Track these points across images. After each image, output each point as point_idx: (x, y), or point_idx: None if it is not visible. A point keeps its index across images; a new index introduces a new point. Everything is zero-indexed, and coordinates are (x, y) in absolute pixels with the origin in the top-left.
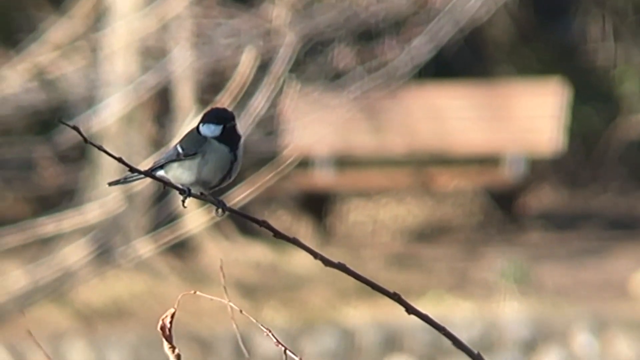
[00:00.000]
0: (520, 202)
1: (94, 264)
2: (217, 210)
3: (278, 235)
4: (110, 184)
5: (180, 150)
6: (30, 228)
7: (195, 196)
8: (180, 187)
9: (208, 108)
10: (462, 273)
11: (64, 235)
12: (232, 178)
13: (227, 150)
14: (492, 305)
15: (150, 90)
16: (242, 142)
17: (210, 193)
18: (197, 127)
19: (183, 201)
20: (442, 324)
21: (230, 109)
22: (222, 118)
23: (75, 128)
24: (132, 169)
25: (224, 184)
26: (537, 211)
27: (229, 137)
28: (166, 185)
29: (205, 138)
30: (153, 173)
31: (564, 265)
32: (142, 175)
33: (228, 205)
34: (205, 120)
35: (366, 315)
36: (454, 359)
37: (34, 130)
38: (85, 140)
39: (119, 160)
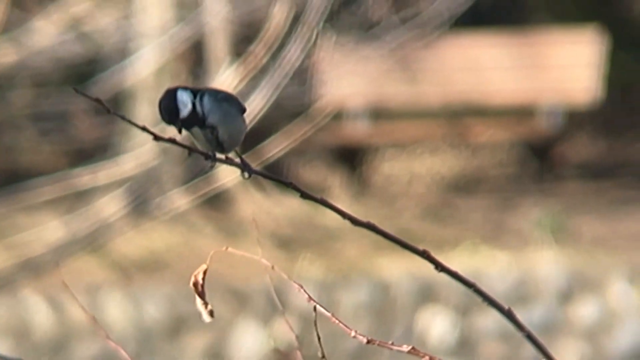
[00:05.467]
0: (557, 152)
1: (130, 216)
2: (242, 172)
3: (305, 195)
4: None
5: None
6: (66, 180)
7: (220, 161)
8: (205, 152)
9: (163, 91)
10: (498, 224)
11: (100, 187)
12: (233, 148)
13: (207, 132)
14: (528, 255)
15: (185, 42)
16: (223, 115)
17: (237, 154)
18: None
19: (211, 167)
20: (475, 278)
21: (175, 92)
22: (167, 117)
23: (98, 100)
24: (156, 137)
25: (228, 152)
26: (574, 161)
27: (189, 127)
28: (191, 151)
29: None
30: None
31: (600, 215)
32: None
33: (257, 162)
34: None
35: (401, 267)
36: (489, 309)
37: (69, 82)
38: (108, 111)
39: (143, 129)
